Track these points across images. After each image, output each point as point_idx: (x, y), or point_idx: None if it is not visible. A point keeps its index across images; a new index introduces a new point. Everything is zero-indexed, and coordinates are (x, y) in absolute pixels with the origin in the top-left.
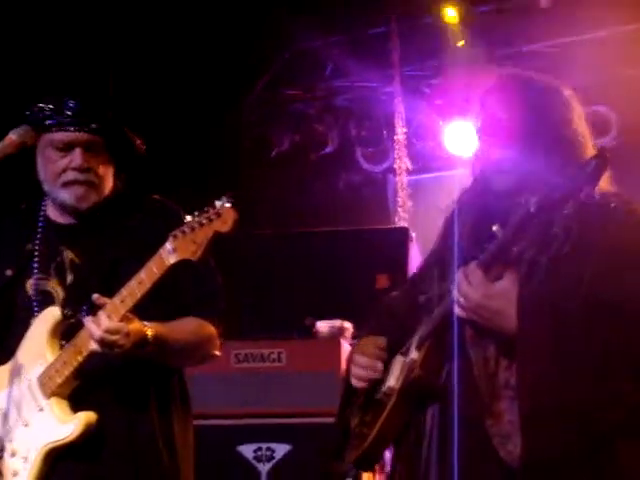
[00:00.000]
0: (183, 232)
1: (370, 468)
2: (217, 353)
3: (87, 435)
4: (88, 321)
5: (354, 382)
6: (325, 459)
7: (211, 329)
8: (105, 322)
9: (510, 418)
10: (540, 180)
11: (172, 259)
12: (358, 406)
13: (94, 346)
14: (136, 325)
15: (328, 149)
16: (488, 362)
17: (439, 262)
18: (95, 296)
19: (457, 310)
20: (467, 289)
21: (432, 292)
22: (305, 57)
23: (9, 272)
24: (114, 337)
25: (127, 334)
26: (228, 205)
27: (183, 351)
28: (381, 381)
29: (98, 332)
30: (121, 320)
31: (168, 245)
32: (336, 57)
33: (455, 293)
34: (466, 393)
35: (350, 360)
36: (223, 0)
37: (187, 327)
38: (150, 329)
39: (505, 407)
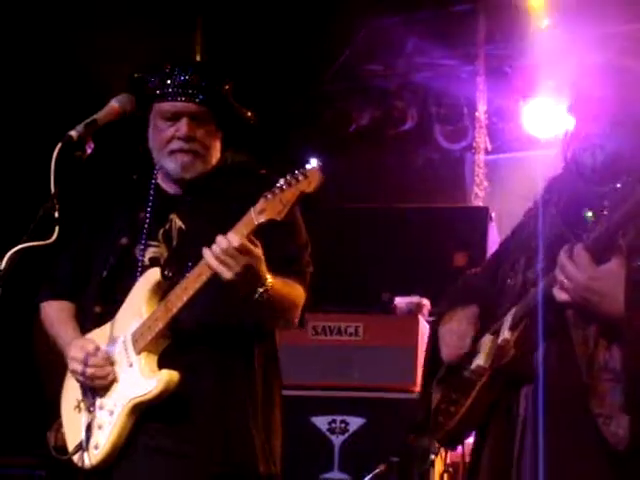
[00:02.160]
0: (273, 193)
1: (456, 446)
2: (296, 321)
3: (168, 392)
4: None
5: (444, 356)
6: (405, 433)
7: (302, 291)
8: (234, 237)
9: (611, 400)
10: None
11: (261, 219)
12: (441, 383)
13: (212, 261)
14: (261, 264)
15: (407, 126)
16: (587, 341)
17: (526, 246)
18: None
19: (559, 293)
20: (572, 271)
21: (519, 275)
22: (387, 33)
23: (124, 240)
24: (233, 259)
25: (246, 265)
26: (315, 167)
27: (283, 306)
28: (467, 359)
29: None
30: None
31: (258, 206)
32: (418, 33)
33: (558, 275)
34: (564, 373)
35: (439, 334)
36: None
37: (288, 282)
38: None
39: (606, 388)
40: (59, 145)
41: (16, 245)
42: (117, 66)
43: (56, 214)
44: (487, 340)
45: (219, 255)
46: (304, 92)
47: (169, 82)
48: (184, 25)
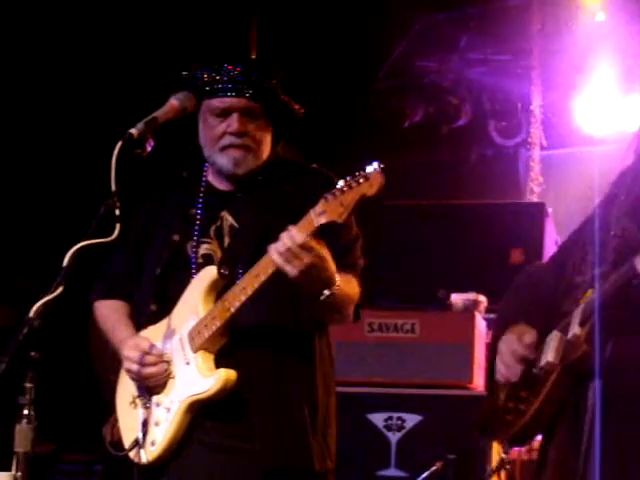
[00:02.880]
0: (333, 195)
1: (525, 444)
2: (352, 315)
3: (226, 391)
4: (287, 230)
5: (498, 376)
6: (467, 431)
7: (357, 285)
8: (298, 234)
9: None
10: None
11: (321, 220)
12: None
13: (276, 257)
14: (331, 265)
15: (461, 122)
16: None
17: (594, 242)
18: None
19: None
20: None
21: (587, 270)
22: (440, 28)
23: (176, 237)
24: (303, 252)
25: (312, 262)
26: (377, 170)
27: (344, 303)
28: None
29: (290, 240)
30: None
31: (318, 207)
32: (471, 29)
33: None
34: (631, 370)
35: (496, 349)
36: None
37: (346, 278)
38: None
39: None
40: (119, 143)
41: (78, 242)
42: (172, 65)
43: (117, 212)
44: (555, 336)
45: (283, 252)
46: (358, 89)
47: (218, 78)
48: (239, 23)
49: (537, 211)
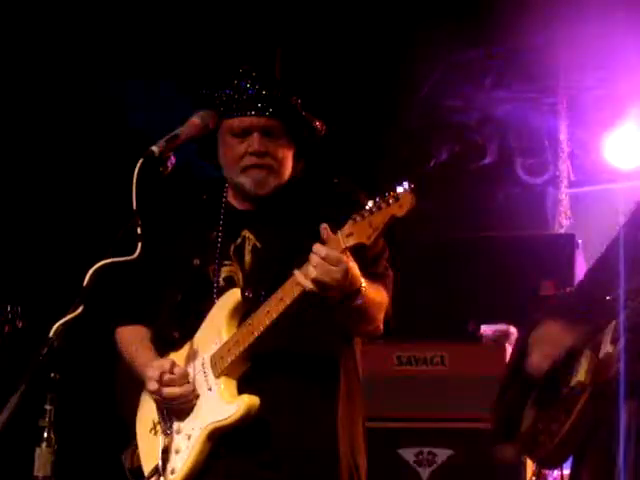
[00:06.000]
0: (362, 216)
1: (558, 465)
2: (381, 327)
3: (249, 418)
4: (315, 250)
5: (529, 368)
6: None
7: (385, 294)
8: (325, 250)
9: None
10: None
11: (349, 242)
12: (534, 400)
13: (307, 283)
14: (355, 268)
15: (487, 160)
16: None
17: (628, 262)
18: (323, 225)
19: None
20: None
21: (618, 291)
22: (464, 68)
23: (196, 261)
24: (333, 267)
25: (345, 271)
26: (407, 190)
27: (373, 310)
28: (561, 376)
29: (317, 258)
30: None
31: (346, 228)
32: (496, 68)
33: None
34: None
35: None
36: (382, 10)
37: (373, 286)
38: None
39: None
40: (140, 160)
41: (99, 261)
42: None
43: (138, 230)
44: (586, 355)
45: (317, 264)
46: (383, 128)
47: (237, 97)
48: (264, 57)
49: (567, 242)
